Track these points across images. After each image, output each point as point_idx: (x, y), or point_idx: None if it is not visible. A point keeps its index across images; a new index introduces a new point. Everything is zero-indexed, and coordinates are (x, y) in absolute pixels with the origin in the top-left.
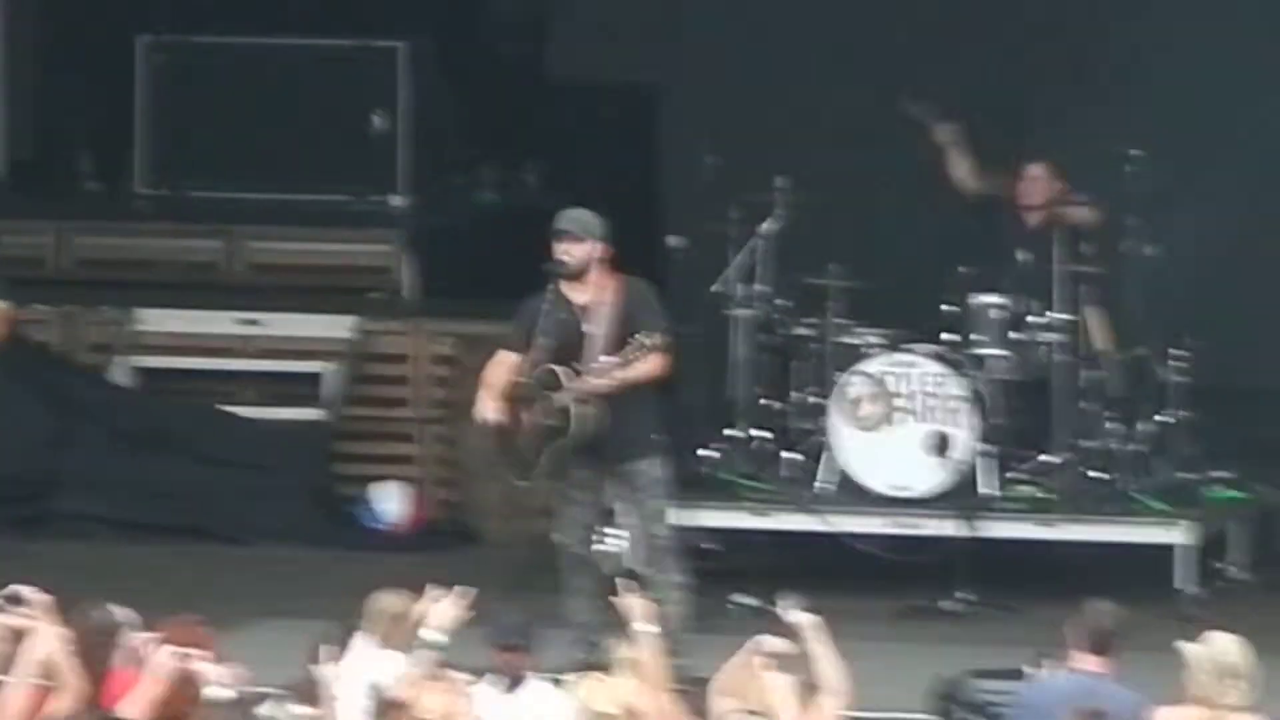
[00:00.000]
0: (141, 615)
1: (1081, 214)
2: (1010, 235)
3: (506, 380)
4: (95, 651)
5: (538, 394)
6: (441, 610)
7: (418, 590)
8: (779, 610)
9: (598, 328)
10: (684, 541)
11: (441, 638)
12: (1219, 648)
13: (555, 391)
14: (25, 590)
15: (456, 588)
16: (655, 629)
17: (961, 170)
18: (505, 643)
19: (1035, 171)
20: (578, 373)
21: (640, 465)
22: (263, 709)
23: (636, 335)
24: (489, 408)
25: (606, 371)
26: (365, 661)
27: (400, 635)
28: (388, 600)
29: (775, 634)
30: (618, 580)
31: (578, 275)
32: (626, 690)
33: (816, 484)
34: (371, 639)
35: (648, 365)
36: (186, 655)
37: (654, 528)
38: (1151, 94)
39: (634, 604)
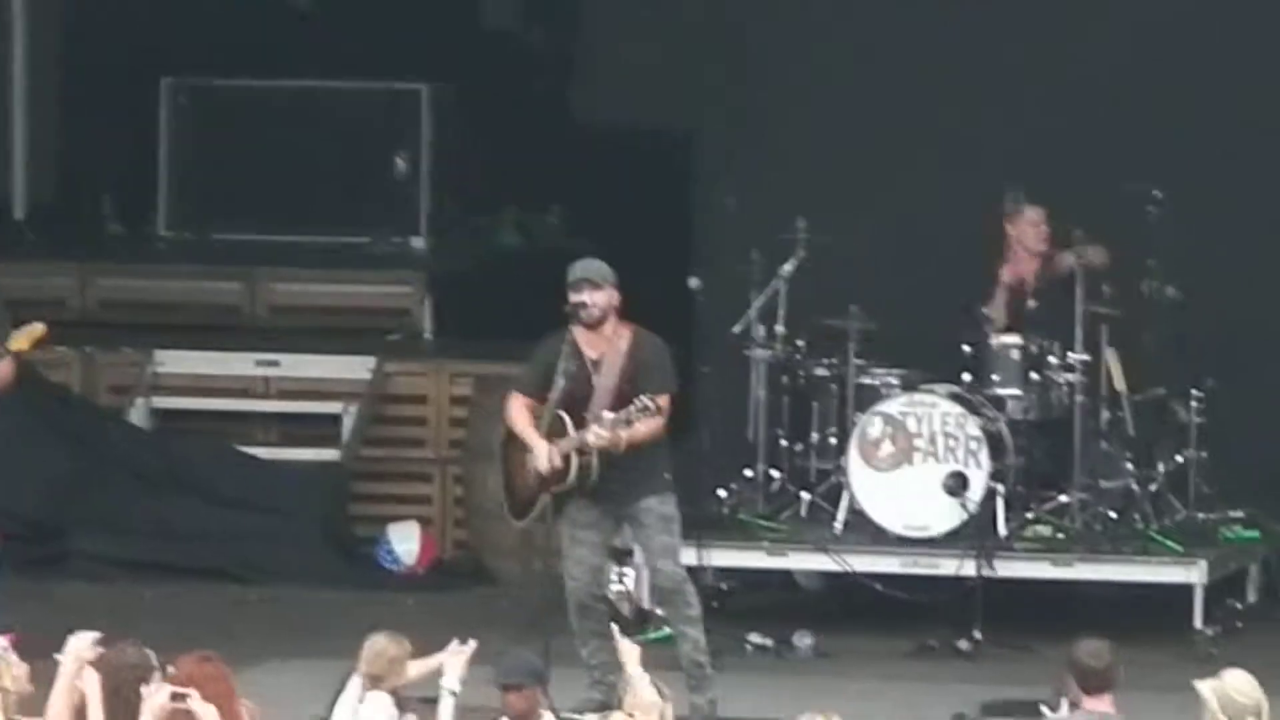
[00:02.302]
0: (159, 656)
1: (1076, 260)
2: (1019, 290)
3: (532, 422)
4: (124, 689)
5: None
6: (455, 661)
7: (429, 630)
8: None
9: (606, 380)
10: (700, 581)
11: (458, 687)
12: (1235, 685)
13: (559, 438)
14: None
15: (454, 641)
16: (643, 673)
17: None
18: (507, 683)
19: (1034, 216)
20: (581, 422)
21: (649, 502)
22: None
23: (639, 397)
24: (546, 454)
25: (607, 426)
26: (356, 704)
27: (394, 679)
28: (384, 643)
29: None
30: (614, 623)
31: (599, 323)
32: None
33: (834, 524)
34: (364, 681)
35: (647, 426)
36: (183, 695)
37: (662, 564)
38: (1171, 132)
39: (624, 648)
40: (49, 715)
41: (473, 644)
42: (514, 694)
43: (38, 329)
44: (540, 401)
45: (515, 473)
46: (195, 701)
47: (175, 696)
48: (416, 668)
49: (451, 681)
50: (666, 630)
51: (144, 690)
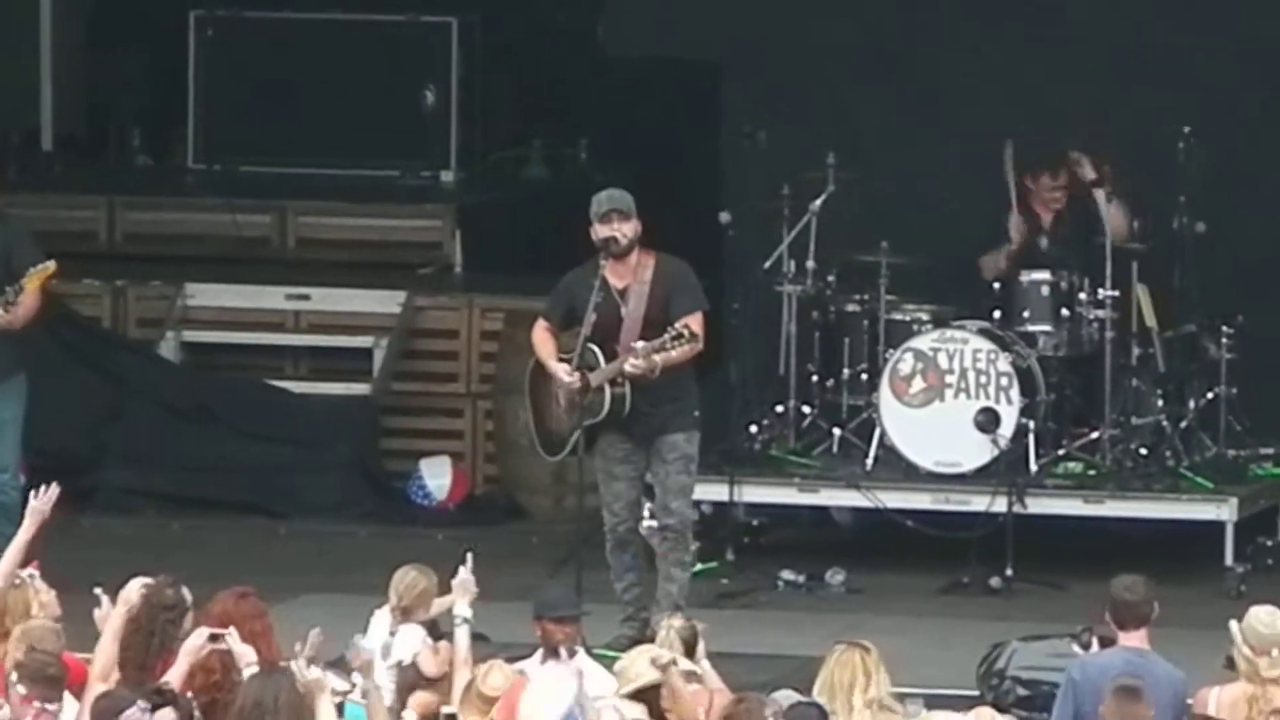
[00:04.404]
0: (190, 589)
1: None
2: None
3: (556, 350)
4: (159, 629)
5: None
6: (462, 589)
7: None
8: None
9: (635, 310)
10: (730, 517)
11: (469, 613)
12: (1258, 618)
13: (591, 370)
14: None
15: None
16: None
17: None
18: (557, 615)
19: (1048, 182)
20: (613, 353)
21: (674, 438)
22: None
23: (673, 325)
24: (565, 374)
25: (640, 355)
26: (387, 634)
27: (424, 611)
28: (414, 575)
29: None
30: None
31: (627, 253)
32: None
33: (865, 460)
34: (394, 612)
35: (684, 348)
36: (221, 636)
37: (676, 504)
38: (1198, 69)
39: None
40: (100, 656)
41: (470, 559)
42: (556, 626)
43: (49, 267)
44: (563, 329)
45: (545, 407)
46: (233, 640)
47: (214, 638)
48: (437, 605)
49: (463, 609)
50: (700, 565)
51: (181, 630)
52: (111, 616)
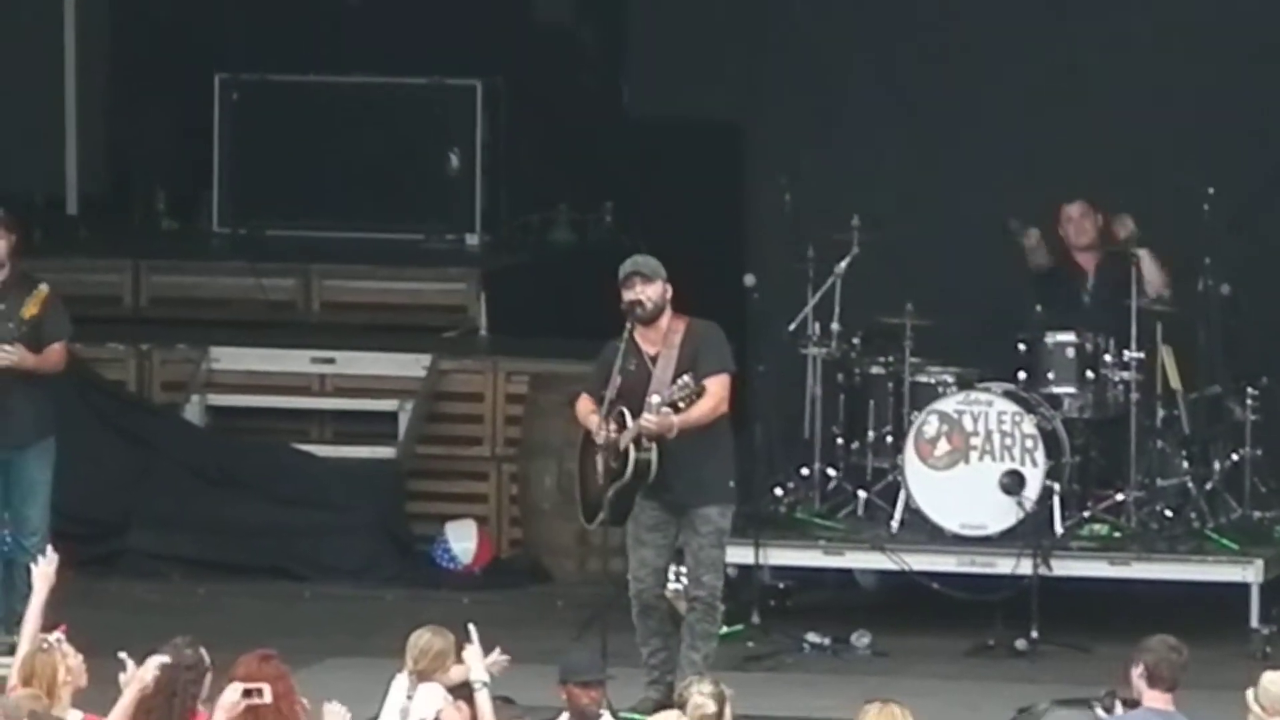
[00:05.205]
0: (214, 653)
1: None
2: (1075, 282)
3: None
4: (181, 691)
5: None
6: (474, 654)
7: (485, 629)
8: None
9: (663, 374)
10: (756, 580)
11: (487, 677)
12: (1272, 680)
13: (619, 434)
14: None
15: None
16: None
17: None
18: (583, 679)
19: (1073, 211)
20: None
21: (708, 511)
22: None
23: (682, 377)
24: (603, 428)
25: (654, 410)
26: (405, 698)
27: (442, 672)
28: (429, 637)
29: None
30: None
31: (654, 318)
32: None
33: (890, 523)
34: (411, 676)
35: (701, 407)
36: (254, 690)
37: (707, 578)
38: (1225, 129)
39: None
40: None
41: (474, 631)
42: (582, 690)
43: (42, 290)
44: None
45: (589, 476)
46: (267, 696)
47: (247, 693)
48: (457, 671)
49: (480, 673)
50: (726, 629)
51: (201, 690)
52: (125, 692)
